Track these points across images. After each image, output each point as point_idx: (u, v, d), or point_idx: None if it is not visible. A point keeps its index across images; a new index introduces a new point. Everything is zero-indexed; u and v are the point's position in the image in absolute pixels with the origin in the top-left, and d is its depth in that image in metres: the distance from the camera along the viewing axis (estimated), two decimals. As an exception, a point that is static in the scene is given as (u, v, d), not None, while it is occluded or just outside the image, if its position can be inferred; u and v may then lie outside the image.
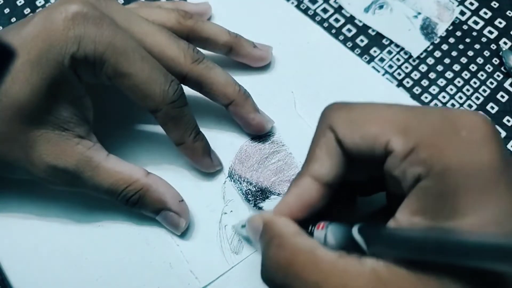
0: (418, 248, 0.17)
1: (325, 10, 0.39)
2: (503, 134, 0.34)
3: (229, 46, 0.33)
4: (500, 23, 0.38)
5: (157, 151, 0.32)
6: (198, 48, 0.31)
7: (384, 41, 0.38)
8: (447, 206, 0.18)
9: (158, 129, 0.33)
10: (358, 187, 0.25)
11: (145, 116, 0.33)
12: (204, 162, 0.31)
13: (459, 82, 0.36)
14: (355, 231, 0.19)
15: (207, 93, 0.31)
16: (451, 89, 0.36)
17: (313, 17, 0.39)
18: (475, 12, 0.39)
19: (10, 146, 0.26)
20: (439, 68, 0.37)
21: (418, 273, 0.18)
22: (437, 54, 0.37)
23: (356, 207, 0.25)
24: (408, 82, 0.36)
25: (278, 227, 0.22)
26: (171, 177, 0.30)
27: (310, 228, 0.22)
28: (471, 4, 0.39)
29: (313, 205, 0.22)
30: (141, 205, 0.29)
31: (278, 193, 0.31)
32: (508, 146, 0.34)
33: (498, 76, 0.37)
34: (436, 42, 0.38)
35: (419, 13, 0.39)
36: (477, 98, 0.36)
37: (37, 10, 0.39)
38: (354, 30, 0.38)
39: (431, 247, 0.17)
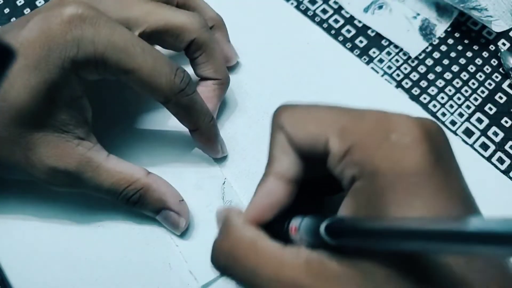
0: (374, 236, 0.18)
1: (324, 11, 0.39)
2: (501, 135, 0.35)
3: (212, 23, 0.33)
4: (499, 24, 0.38)
5: (157, 151, 0.33)
6: None
7: (383, 42, 0.38)
8: (376, 207, 0.19)
9: (158, 128, 0.33)
10: (323, 187, 0.25)
11: (145, 115, 0.34)
12: (215, 147, 0.31)
13: (457, 83, 0.36)
14: (322, 227, 0.20)
15: (201, 64, 0.31)
16: (450, 90, 0.36)
17: (312, 17, 0.39)
18: (474, 13, 0.39)
19: (10, 150, 0.26)
20: (438, 69, 0.37)
21: (346, 265, 0.19)
22: (436, 55, 0.37)
23: (325, 205, 0.26)
24: (407, 83, 0.36)
25: (229, 219, 0.23)
26: (171, 177, 0.30)
27: (285, 226, 0.23)
28: (470, 5, 0.39)
29: (281, 203, 0.22)
30: (142, 205, 0.29)
31: None
32: (507, 147, 0.34)
33: (497, 77, 0.37)
34: (434, 43, 0.38)
35: (418, 14, 0.39)
36: (476, 99, 0.36)
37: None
38: (353, 31, 0.38)
39: (384, 234, 0.17)
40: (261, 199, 0.23)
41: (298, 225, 0.22)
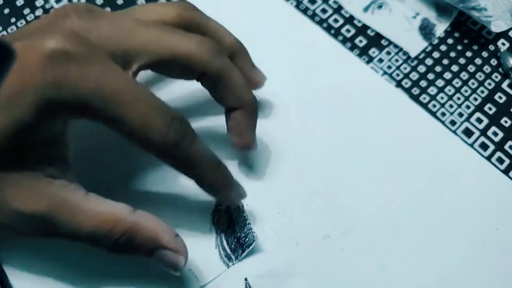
0: None
1: (324, 11, 0.39)
2: (501, 135, 0.35)
3: (232, 51, 0.30)
4: (499, 24, 0.38)
5: (142, 183, 0.31)
6: None
7: (383, 41, 0.38)
8: None
9: (144, 160, 0.31)
10: None
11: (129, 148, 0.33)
12: (227, 197, 0.28)
13: (457, 83, 0.36)
14: None
15: (221, 93, 0.28)
16: (449, 90, 0.36)
17: (312, 17, 0.39)
18: (473, 13, 0.39)
19: None
20: (438, 69, 0.37)
21: None
22: (436, 55, 0.37)
23: None
24: (406, 83, 0.36)
25: None
26: (167, 178, 0.30)
27: None
28: (470, 5, 0.39)
29: None
30: (131, 248, 0.25)
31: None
32: (506, 147, 0.34)
33: (496, 77, 0.37)
34: (434, 43, 0.38)
35: (418, 14, 0.39)
36: (475, 99, 0.36)
37: (37, 11, 0.39)
38: (353, 31, 0.38)
39: None
40: None
41: None
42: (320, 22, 0.39)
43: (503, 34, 0.38)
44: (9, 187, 0.23)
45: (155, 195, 0.31)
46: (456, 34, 0.38)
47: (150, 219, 0.25)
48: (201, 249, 0.30)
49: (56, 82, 0.21)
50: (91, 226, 0.24)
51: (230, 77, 0.27)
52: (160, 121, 0.23)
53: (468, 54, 0.37)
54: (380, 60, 0.37)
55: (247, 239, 0.30)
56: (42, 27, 0.25)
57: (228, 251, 0.30)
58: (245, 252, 0.30)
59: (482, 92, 0.36)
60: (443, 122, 0.35)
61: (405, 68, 0.37)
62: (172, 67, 0.26)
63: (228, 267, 0.30)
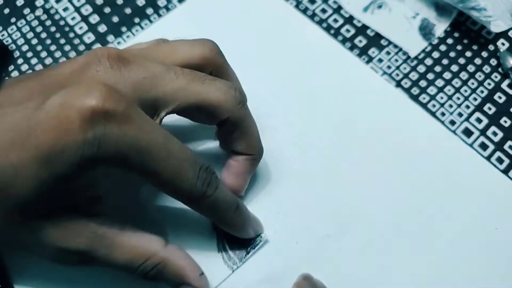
0: None
1: (323, 10, 0.39)
2: (501, 135, 0.35)
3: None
4: (498, 24, 0.38)
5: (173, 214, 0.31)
6: None
7: (382, 41, 0.38)
8: None
9: None
10: None
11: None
12: (244, 233, 0.29)
13: (457, 83, 0.36)
14: None
15: (234, 139, 0.29)
16: (449, 90, 0.36)
17: (312, 17, 0.39)
18: (473, 13, 0.39)
19: (13, 234, 0.24)
20: (437, 69, 0.37)
21: None
22: (435, 55, 0.37)
23: None
24: (406, 83, 0.36)
25: None
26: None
27: None
28: (470, 4, 0.39)
29: None
30: (160, 280, 0.27)
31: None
32: (506, 147, 0.34)
33: (496, 77, 0.37)
34: (434, 43, 0.38)
35: (418, 14, 0.39)
36: (475, 99, 0.36)
37: (37, 11, 0.39)
38: (352, 31, 0.38)
39: None
40: None
41: None
42: (320, 22, 0.39)
43: (503, 34, 0.38)
44: (52, 228, 0.24)
45: (154, 202, 0.31)
46: (456, 34, 0.38)
47: (179, 255, 0.27)
48: (205, 256, 0.30)
49: (96, 141, 0.22)
50: (126, 259, 0.25)
51: (248, 127, 0.29)
52: (190, 173, 0.25)
53: (468, 54, 0.38)
54: (380, 60, 0.37)
55: (252, 240, 0.30)
56: (73, 75, 0.25)
57: (232, 254, 0.30)
58: (250, 254, 0.30)
59: (482, 92, 0.36)
60: (442, 122, 0.35)
61: (405, 68, 0.37)
62: (197, 113, 0.27)
63: (233, 271, 0.30)
